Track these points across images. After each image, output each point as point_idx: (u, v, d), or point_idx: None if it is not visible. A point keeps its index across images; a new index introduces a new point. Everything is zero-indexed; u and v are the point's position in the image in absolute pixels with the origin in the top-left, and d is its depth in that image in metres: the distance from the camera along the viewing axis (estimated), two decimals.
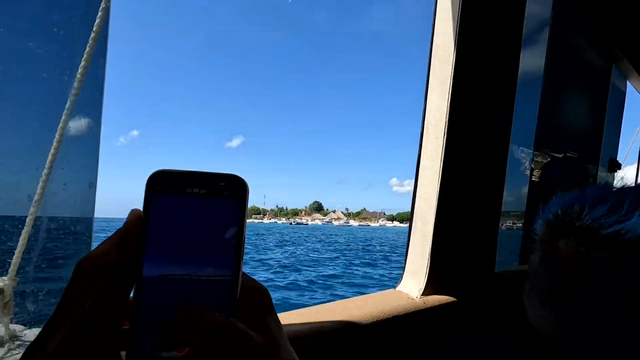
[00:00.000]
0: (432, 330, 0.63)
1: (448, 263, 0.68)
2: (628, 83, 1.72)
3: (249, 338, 0.24)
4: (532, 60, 1.11)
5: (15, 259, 0.50)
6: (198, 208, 0.26)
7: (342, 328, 0.51)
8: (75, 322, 0.22)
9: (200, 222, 0.26)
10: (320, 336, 0.49)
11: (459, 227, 0.70)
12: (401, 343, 0.58)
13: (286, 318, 0.52)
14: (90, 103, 0.57)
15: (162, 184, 0.25)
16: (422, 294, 0.66)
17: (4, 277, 0.49)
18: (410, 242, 0.70)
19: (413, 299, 0.64)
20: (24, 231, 0.51)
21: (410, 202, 0.71)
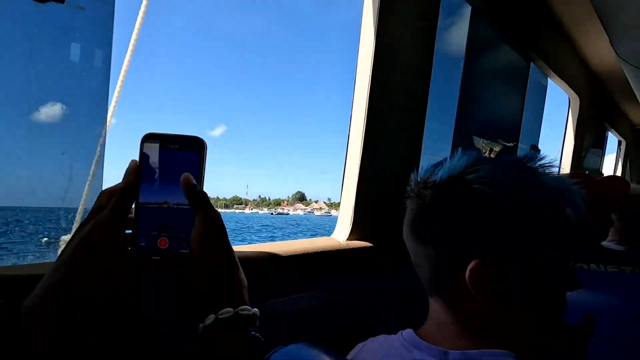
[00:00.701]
0: (350, 267, 0.87)
1: (367, 214, 0.92)
2: (549, 79, 2.03)
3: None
4: (451, 54, 1.36)
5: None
6: (173, 157, 0.43)
7: (273, 257, 0.67)
8: (99, 218, 0.38)
9: (175, 166, 0.42)
10: (246, 262, 0.59)
11: (378, 184, 0.92)
12: (324, 274, 0.81)
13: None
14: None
15: (150, 141, 0.43)
16: (347, 239, 0.90)
17: None
18: (342, 198, 0.94)
19: (339, 242, 0.88)
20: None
21: None
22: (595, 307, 0.77)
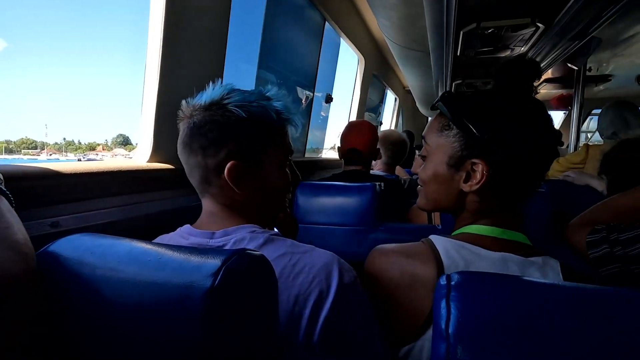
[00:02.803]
0: (151, 186, 0.95)
1: (168, 140, 1.01)
2: (342, 40, 2.48)
3: None
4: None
5: None
6: None
7: (72, 174, 0.74)
8: None
9: None
10: (41, 177, 0.66)
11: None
12: (124, 193, 0.87)
13: None
14: None
15: None
16: (148, 161, 0.97)
17: None
18: (142, 123, 0.98)
19: (139, 163, 0.94)
20: None
21: None
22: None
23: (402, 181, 1.62)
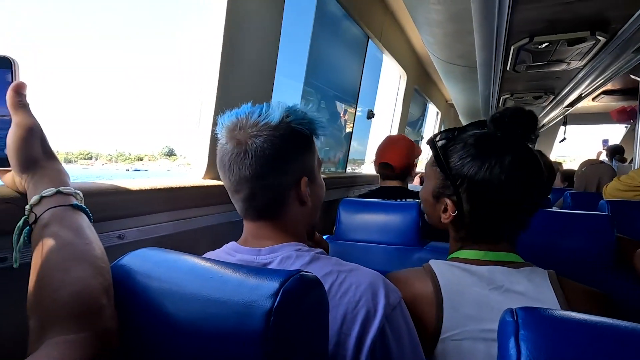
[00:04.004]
0: (206, 200, 1.00)
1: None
2: (384, 56, 2.48)
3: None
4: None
5: None
6: None
7: (133, 190, 0.79)
8: None
9: None
10: (105, 194, 0.72)
11: None
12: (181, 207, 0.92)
13: None
14: None
15: None
16: (203, 178, 1.03)
17: None
18: (197, 145, 1.05)
19: (194, 180, 1.00)
20: None
21: None
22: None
23: None
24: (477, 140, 0.62)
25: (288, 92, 1.47)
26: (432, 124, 5.04)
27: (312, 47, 1.59)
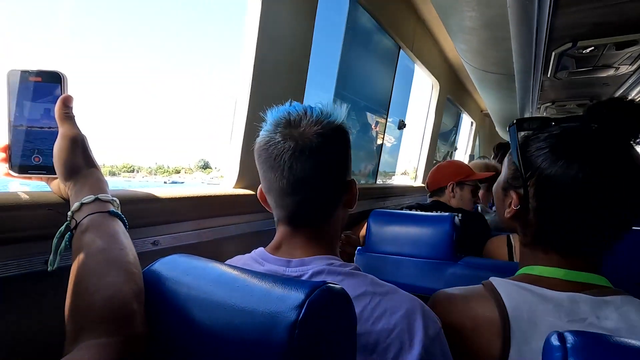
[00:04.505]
0: (236, 209, 1.02)
1: (251, 168, 1.08)
2: (415, 65, 2.45)
3: None
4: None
5: None
6: (39, 88, 0.52)
7: (164, 199, 0.79)
8: None
9: (40, 95, 0.52)
10: (136, 201, 0.73)
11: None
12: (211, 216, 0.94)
13: None
14: None
15: (15, 77, 0.51)
16: (233, 187, 1.05)
17: None
18: (229, 154, 1.07)
19: (225, 189, 1.02)
20: None
21: None
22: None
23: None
24: (564, 131, 0.53)
25: (317, 99, 1.49)
26: (466, 134, 4.89)
27: (343, 58, 1.60)
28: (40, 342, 0.57)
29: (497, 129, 4.42)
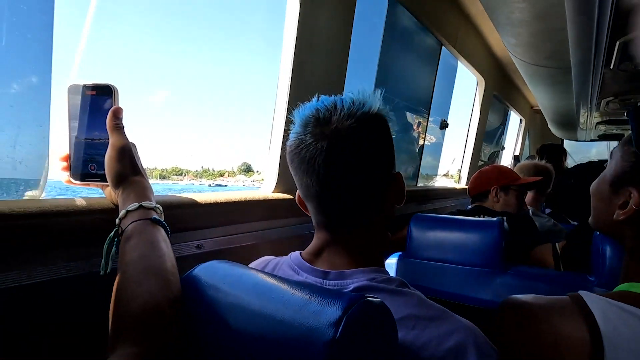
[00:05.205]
0: (274, 214, 1.02)
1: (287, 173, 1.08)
2: (459, 62, 2.34)
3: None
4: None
5: None
6: (93, 100, 0.56)
7: (203, 204, 0.80)
8: None
9: (95, 108, 0.56)
10: (180, 206, 0.75)
11: None
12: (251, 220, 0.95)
13: None
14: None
15: (75, 91, 0.55)
16: (272, 192, 1.06)
17: None
18: (268, 159, 1.08)
19: (264, 194, 1.03)
20: None
21: None
22: None
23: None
24: None
25: None
26: (514, 132, 4.60)
27: (382, 58, 1.57)
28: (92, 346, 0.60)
29: (550, 126, 4.11)
